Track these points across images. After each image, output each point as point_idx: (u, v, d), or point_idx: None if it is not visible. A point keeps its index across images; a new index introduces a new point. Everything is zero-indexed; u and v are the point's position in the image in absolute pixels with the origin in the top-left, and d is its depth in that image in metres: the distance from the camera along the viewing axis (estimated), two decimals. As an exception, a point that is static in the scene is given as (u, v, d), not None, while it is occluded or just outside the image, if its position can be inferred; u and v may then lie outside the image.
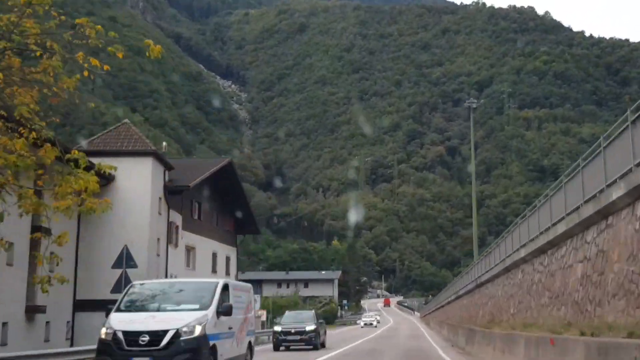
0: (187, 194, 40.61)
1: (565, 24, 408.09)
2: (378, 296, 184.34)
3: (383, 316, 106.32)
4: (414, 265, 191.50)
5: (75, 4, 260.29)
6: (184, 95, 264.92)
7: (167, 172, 37.43)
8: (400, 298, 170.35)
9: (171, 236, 37.86)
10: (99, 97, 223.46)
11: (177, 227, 39.23)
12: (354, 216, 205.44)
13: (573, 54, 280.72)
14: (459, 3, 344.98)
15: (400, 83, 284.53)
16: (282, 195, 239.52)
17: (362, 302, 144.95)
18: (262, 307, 67.71)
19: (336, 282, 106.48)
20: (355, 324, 59.79)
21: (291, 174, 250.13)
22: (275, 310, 71.44)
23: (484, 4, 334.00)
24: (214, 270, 47.12)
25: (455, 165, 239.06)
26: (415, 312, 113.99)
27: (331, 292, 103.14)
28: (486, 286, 36.21)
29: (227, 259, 51.49)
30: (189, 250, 42.47)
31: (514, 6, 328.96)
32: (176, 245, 39.05)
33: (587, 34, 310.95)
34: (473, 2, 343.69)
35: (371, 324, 60.88)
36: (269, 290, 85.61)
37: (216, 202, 48.06)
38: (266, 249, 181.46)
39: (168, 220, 37.29)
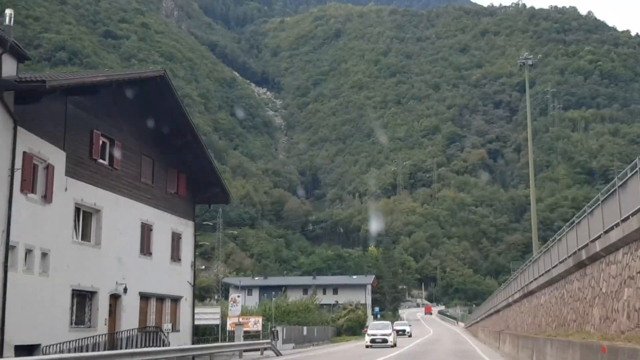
0: (84, 120, 27.08)
1: (610, 24, 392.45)
2: (418, 305, 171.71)
3: (421, 326, 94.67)
4: (455, 273, 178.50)
5: (108, 12, 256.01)
6: (217, 101, 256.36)
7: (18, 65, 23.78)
8: (442, 307, 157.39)
9: (29, 179, 23.59)
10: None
11: (49, 167, 25.03)
12: (388, 221, 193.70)
13: (619, 53, 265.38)
14: (497, 4, 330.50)
15: (438, 86, 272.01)
16: (317, 201, 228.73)
17: (400, 311, 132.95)
18: (263, 312, 56.60)
19: (369, 287, 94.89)
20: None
21: (327, 179, 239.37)
22: (279, 316, 59.98)
23: (524, 5, 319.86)
24: (145, 252, 33.18)
25: (497, 168, 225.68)
26: (459, 322, 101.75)
27: (363, 298, 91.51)
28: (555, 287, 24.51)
29: (176, 236, 36.86)
30: (86, 213, 28.17)
31: (555, 6, 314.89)
32: (48, 200, 24.90)
33: (632, 33, 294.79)
34: (513, 3, 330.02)
35: (384, 340, 44.34)
36: (294, 297, 74.37)
37: (150, 146, 33.71)
38: (299, 255, 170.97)
39: (14, 147, 22.58)
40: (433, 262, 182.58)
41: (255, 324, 45.94)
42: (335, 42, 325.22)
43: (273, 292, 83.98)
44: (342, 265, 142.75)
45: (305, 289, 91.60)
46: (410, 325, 67.28)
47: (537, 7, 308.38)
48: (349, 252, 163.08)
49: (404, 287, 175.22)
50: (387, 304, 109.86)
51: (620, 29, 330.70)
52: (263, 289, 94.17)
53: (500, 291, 53.21)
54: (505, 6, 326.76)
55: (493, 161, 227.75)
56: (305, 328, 59.15)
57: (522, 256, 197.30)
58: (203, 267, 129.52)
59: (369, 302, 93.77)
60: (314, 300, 73.46)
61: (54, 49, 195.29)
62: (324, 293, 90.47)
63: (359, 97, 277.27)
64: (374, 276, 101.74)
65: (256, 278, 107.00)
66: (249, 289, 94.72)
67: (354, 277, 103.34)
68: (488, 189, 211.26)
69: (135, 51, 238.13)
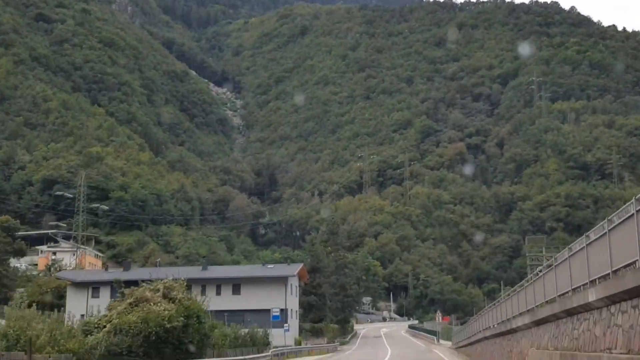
0: None
1: (594, 19, 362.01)
2: (384, 319, 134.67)
3: (378, 346, 58.42)
4: (431, 281, 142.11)
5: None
6: (163, 94, 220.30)
7: None
8: (415, 322, 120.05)
9: None
10: (52, 86, 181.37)
11: None
12: (351, 221, 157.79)
13: (608, 46, 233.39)
14: (474, 0, 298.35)
15: (411, 80, 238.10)
16: (273, 204, 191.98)
17: (354, 324, 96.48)
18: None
19: (292, 284, 57.99)
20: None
21: (284, 179, 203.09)
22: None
23: (502, 0, 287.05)
24: None
25: (478, 164, 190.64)
26: (440, 340, 65.43)
27: (282, 300, 54.76)
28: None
29: None
30: None
31: (536, 1, 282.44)
32: None
33: (619, 28, 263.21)
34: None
35: None
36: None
37: None
38: (242, 260, 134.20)
39: None
40: (404, 268, 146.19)
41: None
42: (300, 40, 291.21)
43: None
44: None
45: (188, 285, 55.84)
46: None
47: (517, 1, 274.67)
48: (300, 255, 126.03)
49: (369, 298, 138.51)
50: (330, 312, 73.20)
51: (605, 24, 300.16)
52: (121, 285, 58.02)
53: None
54: (482, 1, 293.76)
55: (473, 156, 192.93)
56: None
57: (510, 261, 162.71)
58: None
59: (292, 306, 57.14)
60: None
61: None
62: (218, 292, 54.34)
63: (324, 93, 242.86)
64: (301, 264, 64.56)
65: (111, 270, 70.23)
66: (94, 287, 58.13)
67: (270, 266, 66.78)
68: (468, 186, 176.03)
69: (69, 35, 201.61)
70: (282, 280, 56.79)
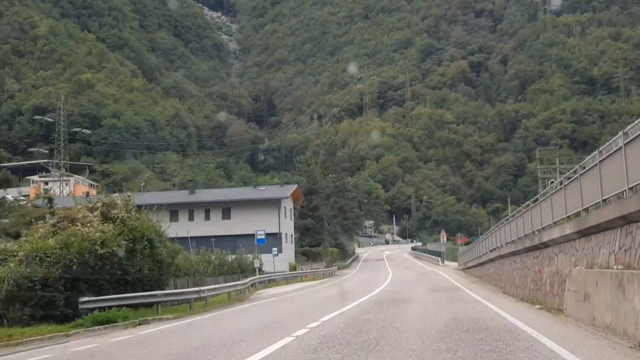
0: None
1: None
2: (387, 242, 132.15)
3: (378, 269, 55.24)
4: (434, 202, 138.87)
5: None
6: (156, 19, 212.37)
7: None
8: (418, 244, 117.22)
9: None
10: (39, 12, 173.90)
11: None
12: (352, 144, 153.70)
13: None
14: None
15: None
16: (273, 129, 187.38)
17: (356, 248, 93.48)
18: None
19: (286, 206, 54.19)
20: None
21: (283, 103, 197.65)
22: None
23: None
24: None
25: (481, 82, 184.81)
26: (445, 262, 62.09)
27: (275, 224, 50.90)
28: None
29: None
30: None
31: None
32: None
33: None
34: None
35: None
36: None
37: None
38: (241, 186, 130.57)
39: None
40: (406, 190, 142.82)
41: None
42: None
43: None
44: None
45: (174, 211, 51.87)
46: None
47: None
48: (299, 179, 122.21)
49: (371, 221, 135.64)
50: (328, 236, 69.68)
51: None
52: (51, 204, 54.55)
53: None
54: None
55: (476, 75, 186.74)
56: None
57: (515, 180, 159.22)
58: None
59: (286, 230, 53.40)
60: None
61: None
62: (207, 217, 50.53)
63: (321, 14, 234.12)
64: (295, 186, 60.58)
65: (92, 196, 66.51)
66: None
67: (262, 188, 62.70)
68: (471, 105, 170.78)
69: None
70: (275, 203, 52.95)
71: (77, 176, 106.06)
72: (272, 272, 42.03)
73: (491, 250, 28.51)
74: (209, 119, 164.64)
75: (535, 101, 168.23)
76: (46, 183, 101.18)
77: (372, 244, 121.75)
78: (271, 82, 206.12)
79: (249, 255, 41.63)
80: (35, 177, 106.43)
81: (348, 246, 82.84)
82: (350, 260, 74.77)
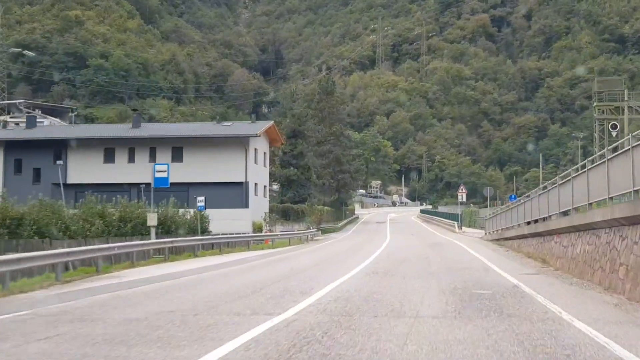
0: None
1: None
2: (394, 204, 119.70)
3: (374, 235, 43.42)
4: (448, 163, 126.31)
5: None
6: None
7: None
8: (428, 207, 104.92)
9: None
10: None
11: None
12: (361, 98, 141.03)
13: None
14: None
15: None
16: (278, 81, 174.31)
17: (357, 208, 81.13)
18: None
19: (259, 147, 40.81)
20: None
21: (291, 54, 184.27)
22: None
23: None
24: None
25: (502, 38, 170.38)
26: (460, 227, 49.58)
27: (241, 170, 38.07)
28: None
29: None
30: None
31: None
32: None
33: None
34: None
35: None
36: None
37: None
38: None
39: None
40: (418, 149, 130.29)
41: None
42: None
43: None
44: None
45: (110, 149, 39.50)
46: None
47: None
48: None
49: (378, 181, 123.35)
50: (317, 190, 56.66)
51: None
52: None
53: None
54: None
55: (497, 30, 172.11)
56: None
57: (536, 142, 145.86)
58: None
59: (257, 179, 40.51)
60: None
61: None
62: (152, 158, 38.12)
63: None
64: (269, 123, 46.79)
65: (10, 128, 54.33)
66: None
67: (226, 124, 49.08)
68: (492, 60, 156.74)
69: None
70: (241, 143, 40.47)
71: (52, 118, 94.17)
72: (218, 235, 29.90)
73: (565, 213, 16.22)
74: (210, 66, 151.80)
75: (561, 59, 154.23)
76: (17, 124, 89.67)
77: (376, 205, 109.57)
78: (280, 32, 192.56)
79: (188, 210, 29.75)
80: (7, 118, 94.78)
81: (345, 205, 70.57)
82: (345, 222, 62.54)
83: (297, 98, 62.77)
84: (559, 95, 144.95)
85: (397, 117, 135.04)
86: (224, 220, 33.74)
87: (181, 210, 29.16)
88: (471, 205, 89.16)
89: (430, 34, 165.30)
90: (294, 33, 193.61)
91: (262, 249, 30.97)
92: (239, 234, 32.85)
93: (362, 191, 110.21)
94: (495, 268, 17.73)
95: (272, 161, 49.59)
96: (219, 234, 30.24)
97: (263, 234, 35.93)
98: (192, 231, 28.14)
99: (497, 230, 31.68)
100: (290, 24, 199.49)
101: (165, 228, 26.03)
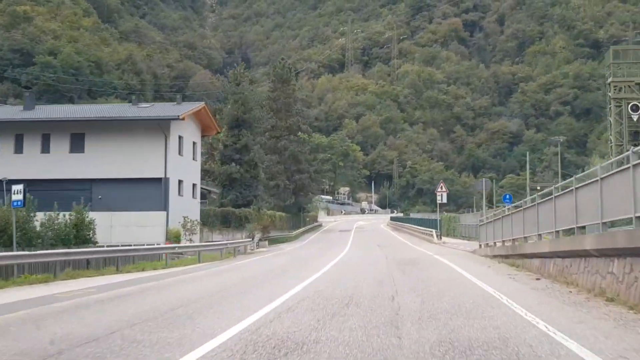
0: None
1: None
2: (362, 211, 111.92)
3: (336, 247, 35.75)
4: (419, 169, 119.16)
5: None
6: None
7: None
8: (399, 215, 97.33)
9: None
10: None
11: None
12: (329, 101, 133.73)
13: None
14: None
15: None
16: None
17: (320, 215, 73.14)
18: None
19: (185, 135, 32.68)
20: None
21: (258, 58, 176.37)
22: None
23: None
24: None
25: (474, 42, 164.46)
26: (439, 236, 41.51)
27: (160, 164, 30.47)
28: None
29: None
30: None
31: None
32: None
33: None
34: None
35: None
36: None
37: None
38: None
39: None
40: (388, 154, 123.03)
41: None
42: None
43: None
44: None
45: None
46: None
47: None
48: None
49: (346, 188, 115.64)
50: (266, 192, 47.83)
51: None
52: None
53: None
54: None
55: (469, 34, 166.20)
56: None
57: (510, 148, 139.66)
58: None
59: (183, 175, 31.62)
60: None
61: None
62: (46, 149, 29.07)
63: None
64: (200, 104, 37.32)
65: None
66: None
67: (144, 105, 40.16)
68: (464, 64, 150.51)
69: None
70: (160, 127, 31.93)
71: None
72: (101, 247, 21.49)
73: None
74: (171, 68, 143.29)
75: (535, 64, 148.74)
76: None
77: (343, 212, 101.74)
78: (247, 35, 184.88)
79: (88, 212, 21.51)
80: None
81: (305, 211, 62.34)
82: (301, 230, 54.07)
83: (242, 81, 53.87)
84: (533, 101, 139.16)
85: (366, 121, 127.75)
86: (132, 227, 25.65)
87: (63, 214, 20.94)
88: (444, 213, 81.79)
89: (401, 37, 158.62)
90: (261, 36, 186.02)
91: (173, 266, 22.28)
92: (139, 245, 24.47)
93: (328, 197, 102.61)
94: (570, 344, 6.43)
95: (210, 156, 41.62)
96: (104, 246, 21.92)
97: (167, 245, 26.77)
98: (61, 242, 20.07)
99: (504, 242, 22.01)
100: (258, 27, 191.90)
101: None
